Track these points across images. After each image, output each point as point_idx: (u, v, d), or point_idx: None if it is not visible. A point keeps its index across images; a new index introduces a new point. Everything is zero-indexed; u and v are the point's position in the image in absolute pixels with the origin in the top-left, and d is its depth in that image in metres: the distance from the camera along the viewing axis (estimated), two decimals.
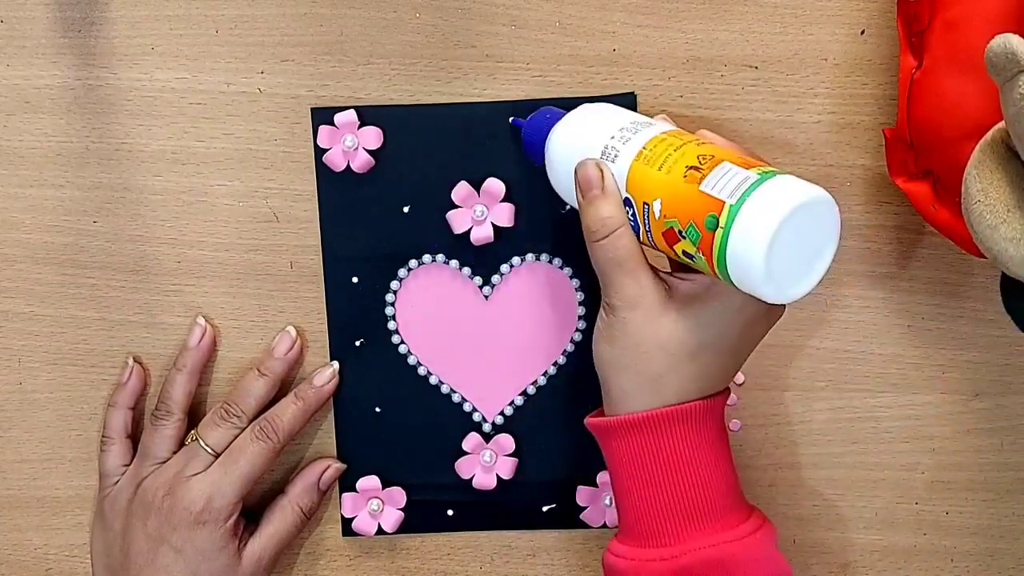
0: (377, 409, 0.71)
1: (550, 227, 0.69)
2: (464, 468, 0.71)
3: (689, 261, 0.56)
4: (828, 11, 0.66)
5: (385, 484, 0.71)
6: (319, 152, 0.68)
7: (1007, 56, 0.48)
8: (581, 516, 0.71)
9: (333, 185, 0.68)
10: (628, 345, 0.59)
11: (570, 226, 0.68)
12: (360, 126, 0.68)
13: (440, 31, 0.67)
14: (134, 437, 0.70)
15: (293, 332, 0.70)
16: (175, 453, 0.68)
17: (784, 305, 0.61)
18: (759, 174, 0.54)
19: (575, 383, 0.70)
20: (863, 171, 0.68)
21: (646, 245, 0.59)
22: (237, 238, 0.69)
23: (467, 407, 0.71)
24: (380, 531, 0.71)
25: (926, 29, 0.60)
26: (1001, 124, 0.53)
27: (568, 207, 0.68)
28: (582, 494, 0.71)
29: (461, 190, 0.68)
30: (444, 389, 0.71)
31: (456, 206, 0.68)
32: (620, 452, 0.61)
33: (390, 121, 0.68)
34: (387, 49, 0.67)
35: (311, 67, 0.68)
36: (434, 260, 0.69)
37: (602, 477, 0.71)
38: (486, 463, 0.71)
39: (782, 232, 0.52)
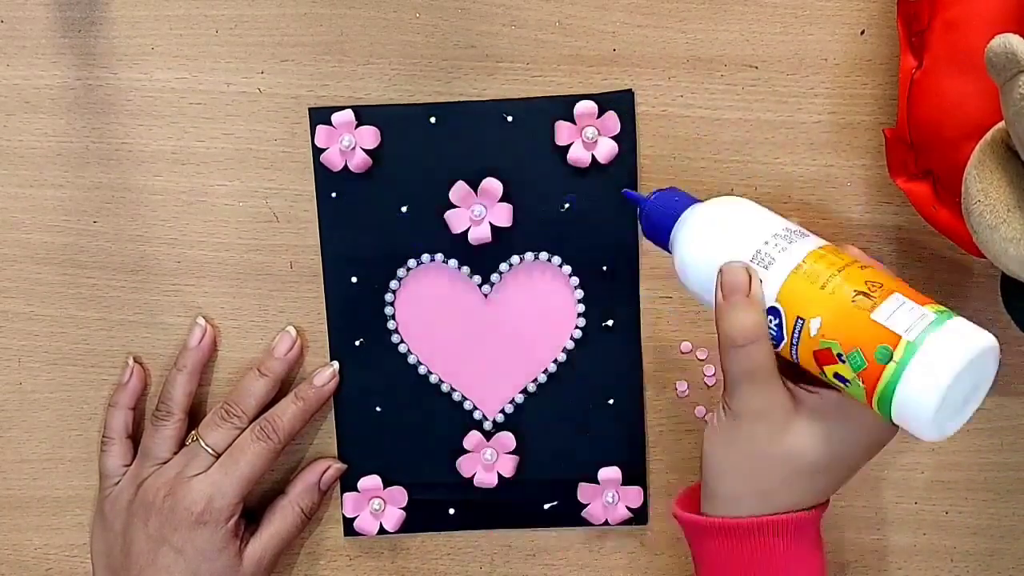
0: (377, 409, 0.71)
1: (548, 226, 0.69)
2: (465, 466, 0.71)
3: (837, 383, 0.55)
4: (828, 11, 0.66)
5: (386, 484, 0.71)
6: (317, 152, 0.68)
7: (1007, 56, 0.48)
8: (583, 513, 0.71)
9: (331, 185, 0.68)
10: (746, 455, 0.58)
11: (568, 225, 0.68)
12: (357, 126, 0.68)
13: (440, 31, 0.67)
14: (135, 437, 0.70)
15: (293, 332, 0.70)
16: (176, 453, 0.68)
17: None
18: (935, 312, 0.53)
19: (575, 380, 0.70)
20: (863, 171, 0.68)
21: (781, 356, 0.57)
22: (237, 238, 0.69)
23: (467, 405, 0.71)
24: (382, 531, 0.71)
25: (926, 29, 0.60)
26: (1001, 124, 0.52)
27: (567, 205, 0.68)
28: (584, 491, 0.71)
29: (459, 190, 0.68)
30: (444, 388, 0.71)
31: (454, 206, 0.68)
32: (716, 554, 0.59)
33: (387, 121, 0.68)
34: (387, 49, 0.67)
35: (311, 67, 0.67)
36: (433, 260, 0.69)
37: (603, 474, 0.71)
38: (487, 461, 0.71)
39: (957, 379, 0.51)
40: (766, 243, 0.57)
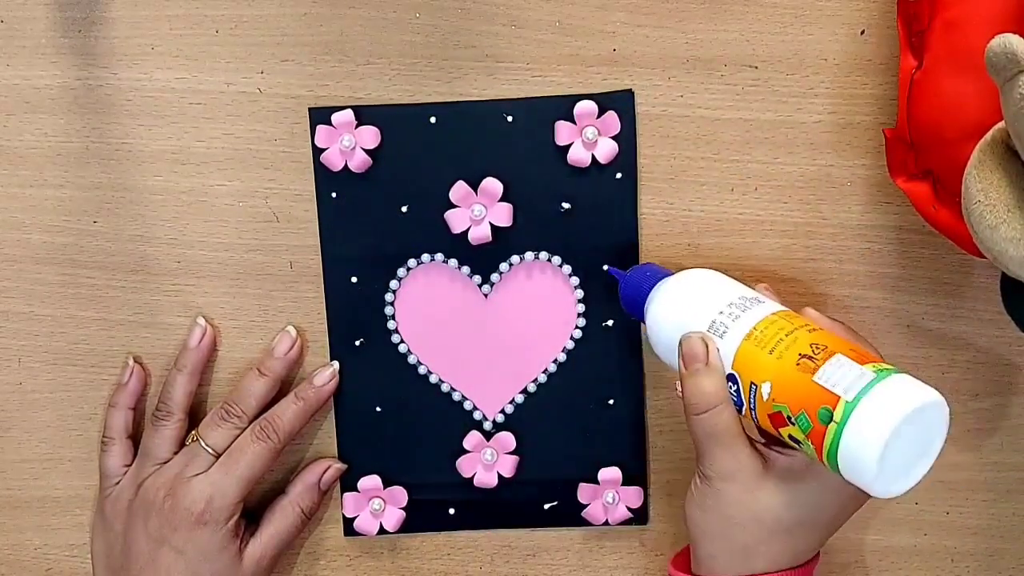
0: (377, 409, 0.71)
1: (548, 226, 0.69)
2: (465, 466, 0.71)
3: (794, 445, 0.56)
4: (828, 11, 0.66)
5: (386, 483, 0.71)
6: (317, 152, 0.68)
7: (1007, 56, 0.48)
8: (583, 514, 0.71)
9: (331, 185, 0.68)
10: (721, 515, 0.59)
11: (568, 225, 0.68)
12: (357, 126, 0.68)
13: (440, 31, 0.67)
14: (135, 437, 0.70)
15: (293, 332, 0.70)
16: (176, 454, 0.68)
17: None
18: (875, 371, 0.54)
19: (576, 380, 0.70)
20: (863, 171, 0.68)
21: (747, 420, 0.59)
22: (237, 238, 0.69)
23: (467, 405, 0.71)
24: (382, 531, 0.71)
25: (926, 29, 0.60)
26: (1001, 124, 0.52)
27: (567, 206, 0.68)
28: (584, 491, 0.71)
29: (459, 190, 0.68)
30: (444, 388, 0.71)
31: (454, 206, 0.68)
32: None
33: (387, 120, 0.68)
34: (387, 49, 0.67)
35: (311, 67, 0.67)
36: (433, 259, 0.69)
37: (604, 474, 0.71)
38: (487, 461, 0.71)
39: (896, 435, 0.52)
40: (721, 312, 0.59)
